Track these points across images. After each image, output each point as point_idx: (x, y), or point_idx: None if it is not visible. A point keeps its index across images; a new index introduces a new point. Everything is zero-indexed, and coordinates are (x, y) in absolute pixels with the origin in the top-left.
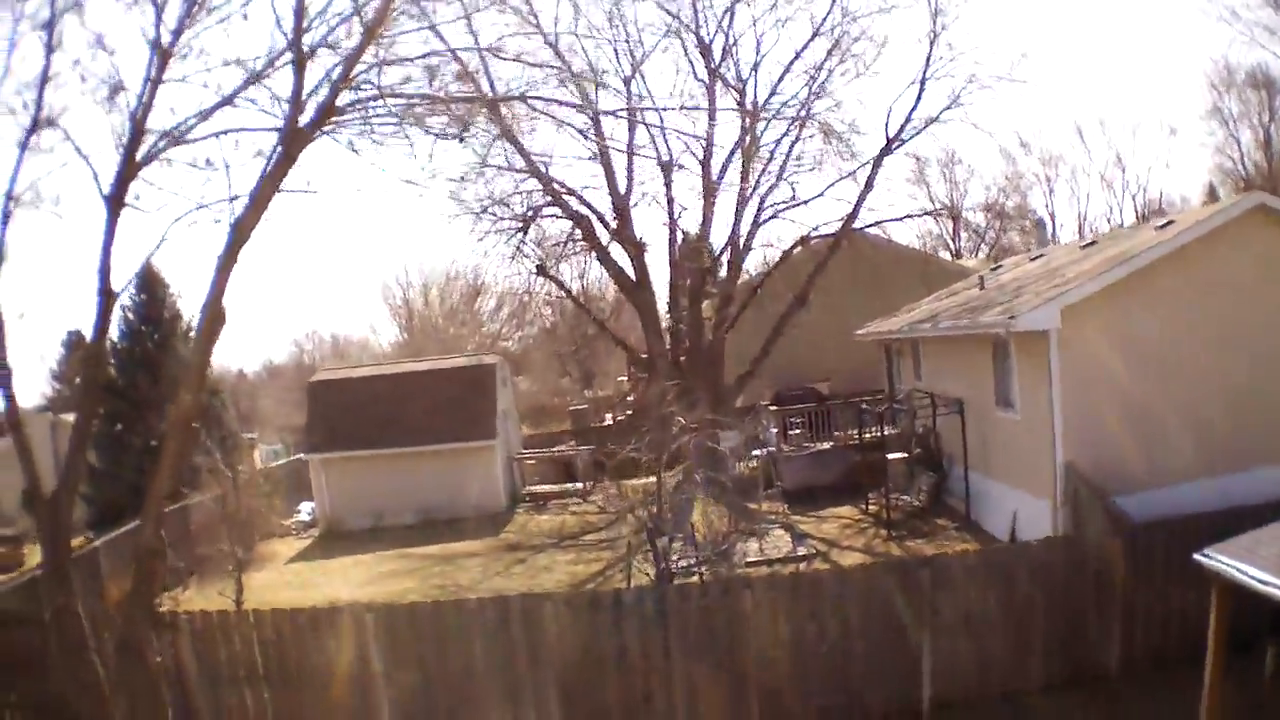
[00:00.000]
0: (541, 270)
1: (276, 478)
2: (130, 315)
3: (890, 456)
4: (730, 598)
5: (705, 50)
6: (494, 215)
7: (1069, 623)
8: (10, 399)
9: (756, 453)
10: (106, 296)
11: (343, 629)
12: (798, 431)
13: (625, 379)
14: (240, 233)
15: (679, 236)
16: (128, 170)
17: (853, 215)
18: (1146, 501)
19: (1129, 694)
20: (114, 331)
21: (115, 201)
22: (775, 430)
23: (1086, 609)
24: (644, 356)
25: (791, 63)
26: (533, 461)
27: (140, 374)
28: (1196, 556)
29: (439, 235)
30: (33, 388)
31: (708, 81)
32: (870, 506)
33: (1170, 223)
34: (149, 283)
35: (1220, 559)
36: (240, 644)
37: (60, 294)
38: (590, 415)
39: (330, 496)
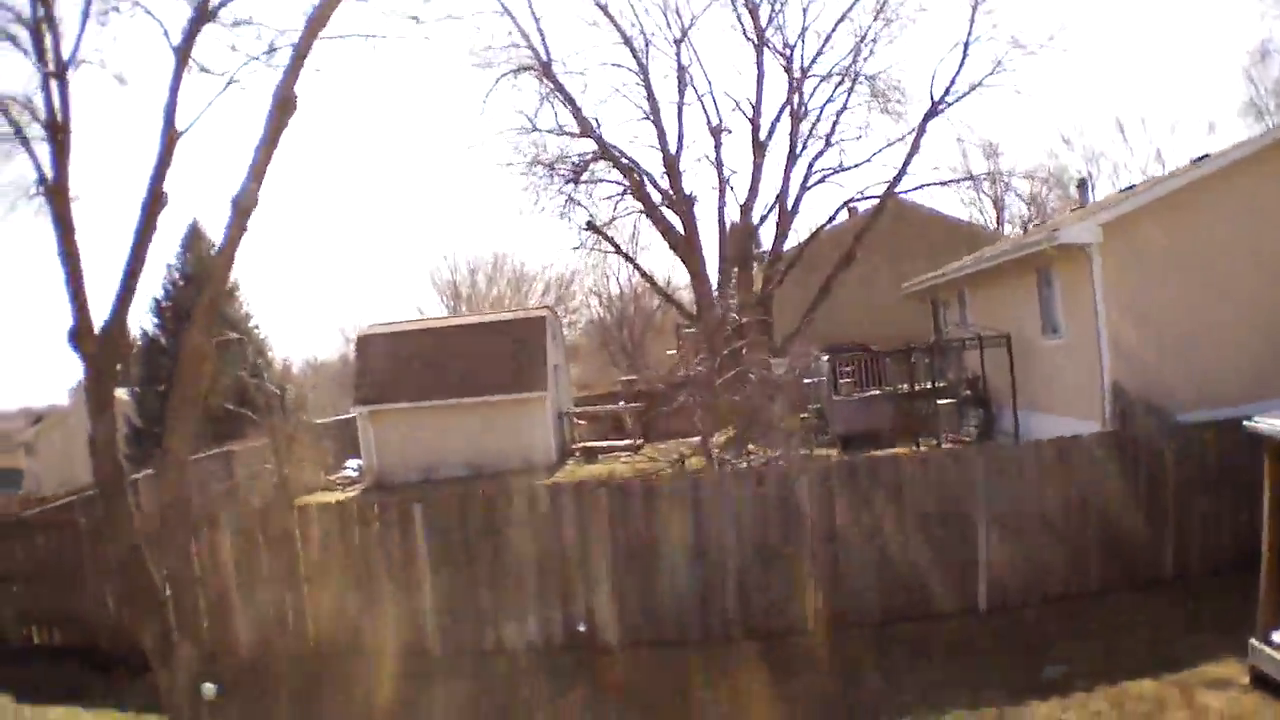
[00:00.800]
0: (592, 226)
1: (324, 432)
2: (176, 273)
3: (940, 401)
4: (787, 487)
5: (753, 11)
6: (546, 164)
7: (1122, 524)
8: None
9: (808, 381)
10: (169, 140)
11: (390, 521)
12: (848, 381)
13: (673, 352)
14: (284, 104)
15: (728, 199)
16: (197, 22)
17: (898, 177)
18: None
19: (1184, 596)
20: (157, 288)
21: (183, 54)
22: (827, 369)
23: (1139, 511)
24: (692, 316)
25: (838, 24)
26: (583, 422)
27: (184, 331)
28: (1246, 423)
29: (486, 219)
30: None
31: (756, 42)
32: (921, 448)
33: (1207, 157)
34: (194, 240)
35: (1268, 420)
36: (283, 540)
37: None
38: (640, 382)
39: (378, 450)
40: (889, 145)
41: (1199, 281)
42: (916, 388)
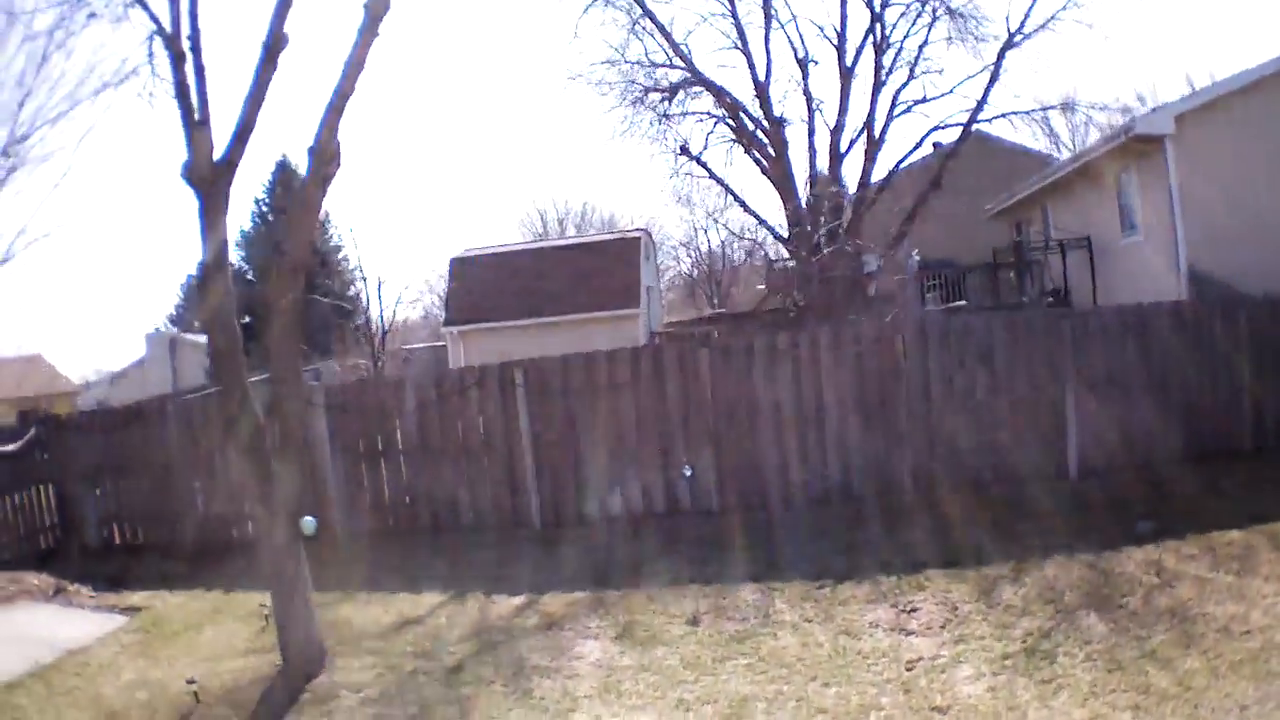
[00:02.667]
0: (685, 150)
1: (411, 357)
2: (264, 206)
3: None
4: (883, 344)
5: None
6: (638, 91)
7: (1201, 395)
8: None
9: (898, 277)
10: None
11: (490, 386)
12: (934, 294)
13: (762, 287)
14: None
15: (816, 126)
16: None
17: (978, 107)
18: None
19: (1266, 467)
20: (245, 220)
21: None
22: (913, 283)
23: (1218, 382)
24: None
25: None
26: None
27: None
28: None
29: (575, 169)
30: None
31: None
32: None
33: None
34: (285, 174)
35: None
36: (377, 413)
37: None
38: (729, 313)
39: None
40: (969, 78)
41: (1270, 168)
42: (1000, 301)
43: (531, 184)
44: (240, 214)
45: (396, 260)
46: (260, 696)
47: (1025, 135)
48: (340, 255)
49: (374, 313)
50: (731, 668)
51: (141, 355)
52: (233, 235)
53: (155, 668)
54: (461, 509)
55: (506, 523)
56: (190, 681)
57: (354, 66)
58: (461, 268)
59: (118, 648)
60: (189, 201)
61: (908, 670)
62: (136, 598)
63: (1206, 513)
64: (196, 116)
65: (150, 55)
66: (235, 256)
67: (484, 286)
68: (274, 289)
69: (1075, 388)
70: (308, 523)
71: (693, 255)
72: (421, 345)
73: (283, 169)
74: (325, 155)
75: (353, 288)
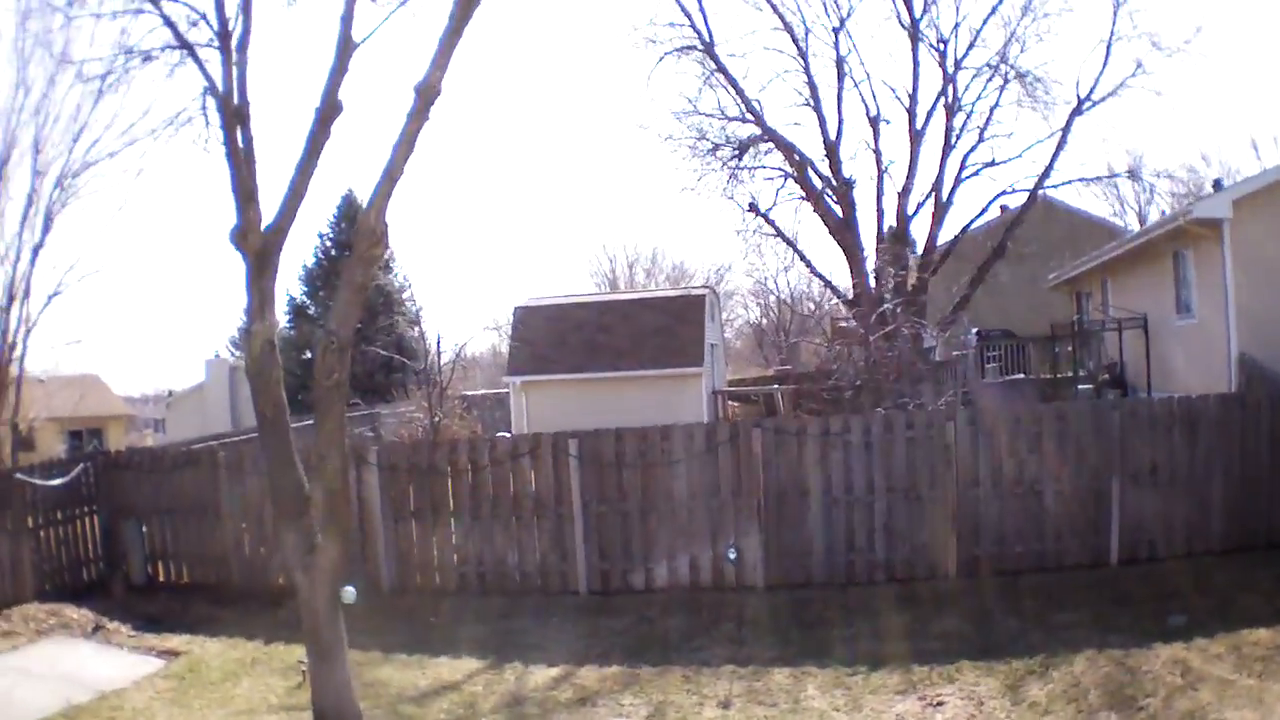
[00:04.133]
0: (754, 208)
1: (475, 403)
2: (328, 241)
3: (1080, 386)
4: (934, 430)
5: (908, 2)
6: (711, 144)
7: (1245, 486)
8: None
9: (957, 352)
10: (344, 47)
11: (543, 453)
12: (993, 365)
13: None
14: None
15: (884, 188)
16: None
17: (1045, 173)
18: None
19: None
20: (309, 256)
21: None
22: (973, 353)
23: (1261, 474)
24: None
25: (988, 17)
26: (736, 404)
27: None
28: None
29: (645, 215)
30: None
31: (911, 33)
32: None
33: None
34: (350, 210)
35: None
36: (430, 475)
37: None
38: (794, 369)
39: (529, 420)
40: (1039, 142)
41: None
42: (1058, 374)
43: (601, 228)
44: (303, 249)
45: (462, 302)
46: None
47: (1091, 201)
48: (405, 295)
49: (433, 361)
50: None
51: (201, 380)
52: (295, 272)
53: (188, 718)
54: (509, 572)
55: (554, 588)
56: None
57: (403, 148)
58: (525, 317)
59: (152, 693)
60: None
61: None
62: (176, 641)
63: (1239, 608)
64: (245, 187)
65: (204, 108)
66: (298, 291)
67: (547, 338)
68: (320, 369)
69: (1121, 477)
70: (348, 592)
71: (761, 305)
72: (483, 392)
73: (348, 203)
74: (373, 236)
75: (415, 328)
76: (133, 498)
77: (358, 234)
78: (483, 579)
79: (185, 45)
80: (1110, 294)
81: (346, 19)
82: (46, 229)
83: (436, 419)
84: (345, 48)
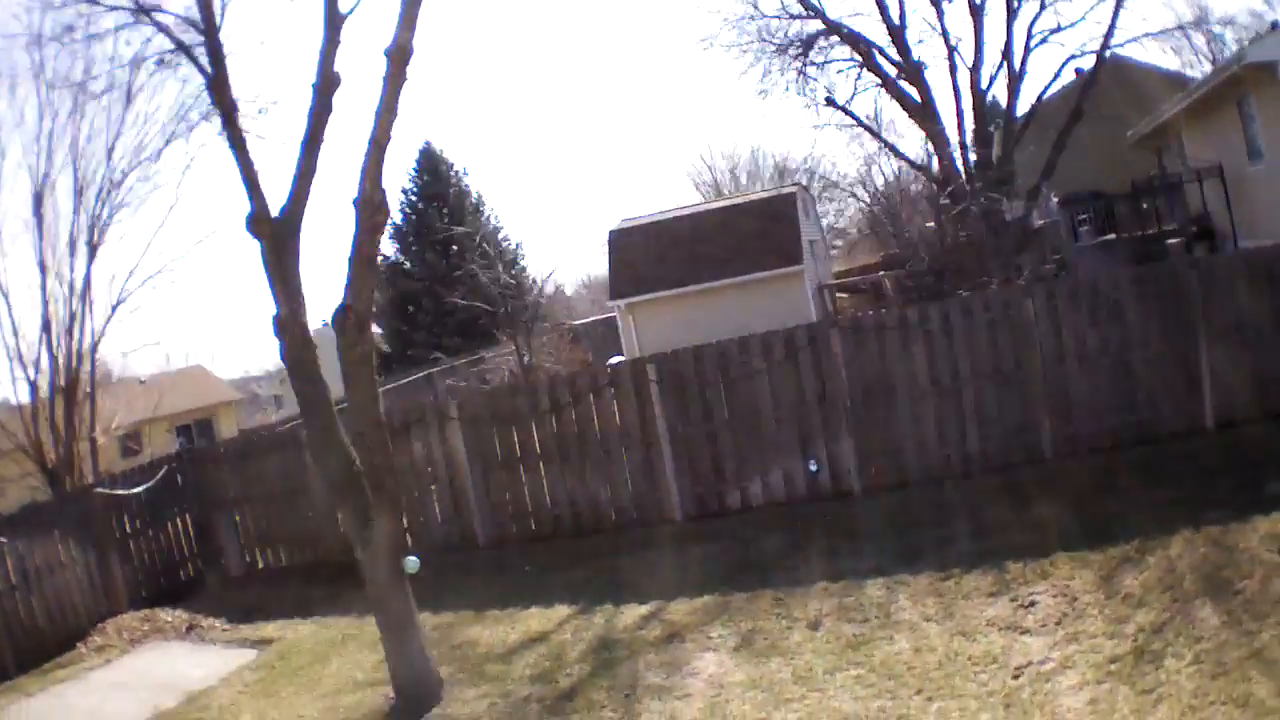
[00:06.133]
0: (831, 101)
1: (583, 332)
2: (413, 196)
3: (1169, 241)
4: (1013, 309)
5: None
6: (776, 44)
7: None
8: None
9: (1042, 222)
10: (332, 21)
11: (622, 386)
12: (1086, 228)
13: (932, 225)
14: None
15: (956, 66)
16: None
17: (1109, 33)
18: None
19: None
20: (395, 214)
21: None
22: (1064, 218)
23: None
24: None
25: None
26: (844, 295)
27: (428, 252)
28: None
29: (739, 115)
30: None
31: None
32: None
33: None
34: (430, 161)
35: None
36: (512, 420)
37: None
38: (899, 252)
39: (639, 341)
40: (1100, 2)
41: None
42: (1148, 231)
43: (697, 139)
44: (391, 207)
45: (568, 238)
46: None
47: (1166, 58)
48: (501, 235)
49: (533, 301)
50: (841, 680)
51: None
52: (385, 232)
53: (274, 708)
54: (603, 509)
55: (650, 519)
56: None
57: (385, 114)
58: (620, 239)
59: (241, 686)
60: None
61: (1014, 679)
62: (270, 629)
63: None
64: (250, 174)
65: (213, 103)
66: (390, 249)
67: (645, 256)
68: (343, 343)
69: (1207, 338)
70: (411, 562)
71: (870, 191)
72: (590, 320)
73: (427, 155)
74: (372, 206)
75: (516, 266)
76: (224, 490)
77: (358, 205)
78: (577, 519)
79: (181, 48)
80: (1187, 146)
81: None
82: (99, 241)
83: (525, 359)
84: (333, 20)
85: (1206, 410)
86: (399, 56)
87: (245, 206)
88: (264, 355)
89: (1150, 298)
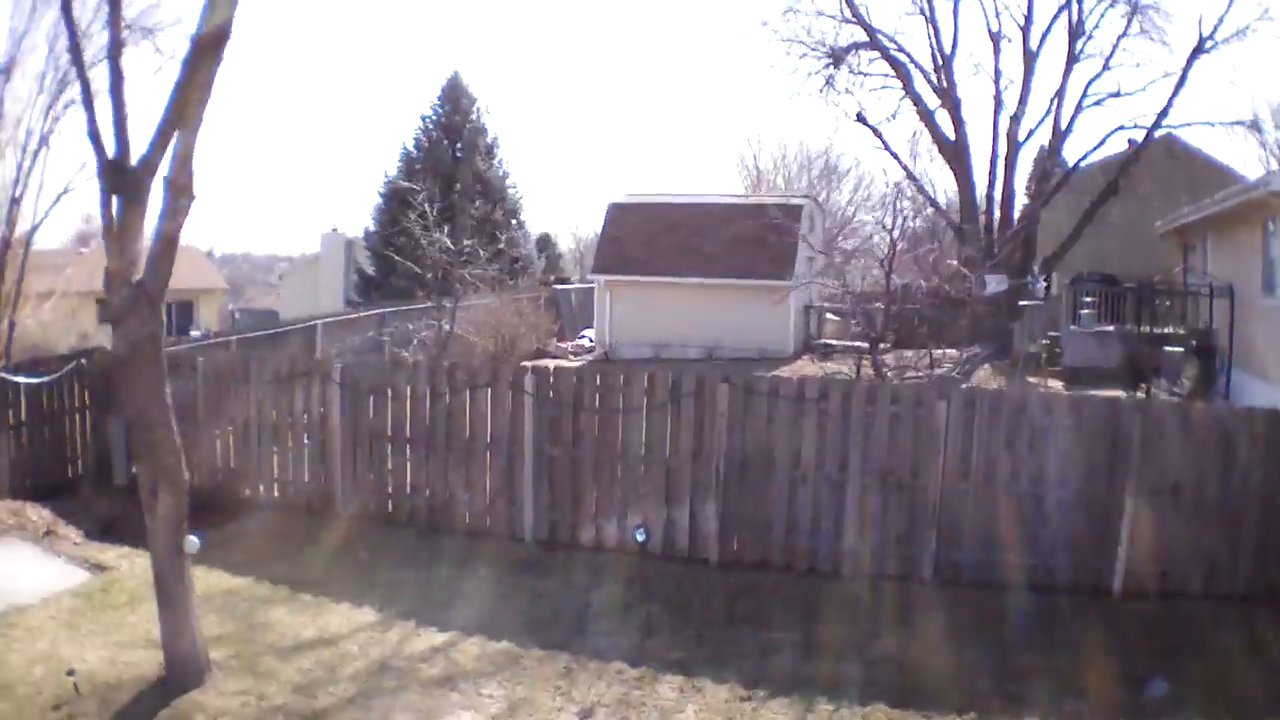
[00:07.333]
0: (862, 119)
1: (562, 298)
2: (430, 123)
3: (1167, 348)
4: (923, 409)
5: None
6: (803, 45)
7: None
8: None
9: (1025, 303)
10: None
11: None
12: (1087, 312)
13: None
14: None
15: (1003, 109)
16: None
17: (1164, 112)
18: None
19: None
20: (410, 138)
21: None
22: (1068, 298)
23: None
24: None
25: None
26: (834, 316)
27: (437, 185)
28: None
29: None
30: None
31: None
32: (1139, 395)
33: None
34: (453, 93)
35: None
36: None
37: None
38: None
39: (612, 321)
40: (1165, 76)
41: None
42: (1153, 330)
43: (746, 125)
44: (404, 132)
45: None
46: (131, 700)
47: (1224, 144)
48: (508, 182)
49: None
50: None
51: (316, 251)
52: (394, 154)
53: (71, 643)
54: (458, 510)
55: (500, 532)
56: (70, 673)
57: (193, 91)
58: (617, 214)
59: (54, 611)
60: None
61: None
62: (112, 554)
63: (1237, 681)
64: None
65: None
66: (394, 169)
67: (637, 237)
68: (131, 323)
69: (1136, 493)
70: (192, 542)
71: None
72: (574, 286)
73: (452, 86)
74: (177, 187)
75: (515, 218)
76: (120, 398)
77: (167, 185)
78: (432, 513)
79: None
80: (1209, 252)
81: None
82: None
83: (446, 329)
84: None
85: (1116, 573)
86: (205, 40)
87: (107, 149)
88: (272, 242)
89: (1084, 432)
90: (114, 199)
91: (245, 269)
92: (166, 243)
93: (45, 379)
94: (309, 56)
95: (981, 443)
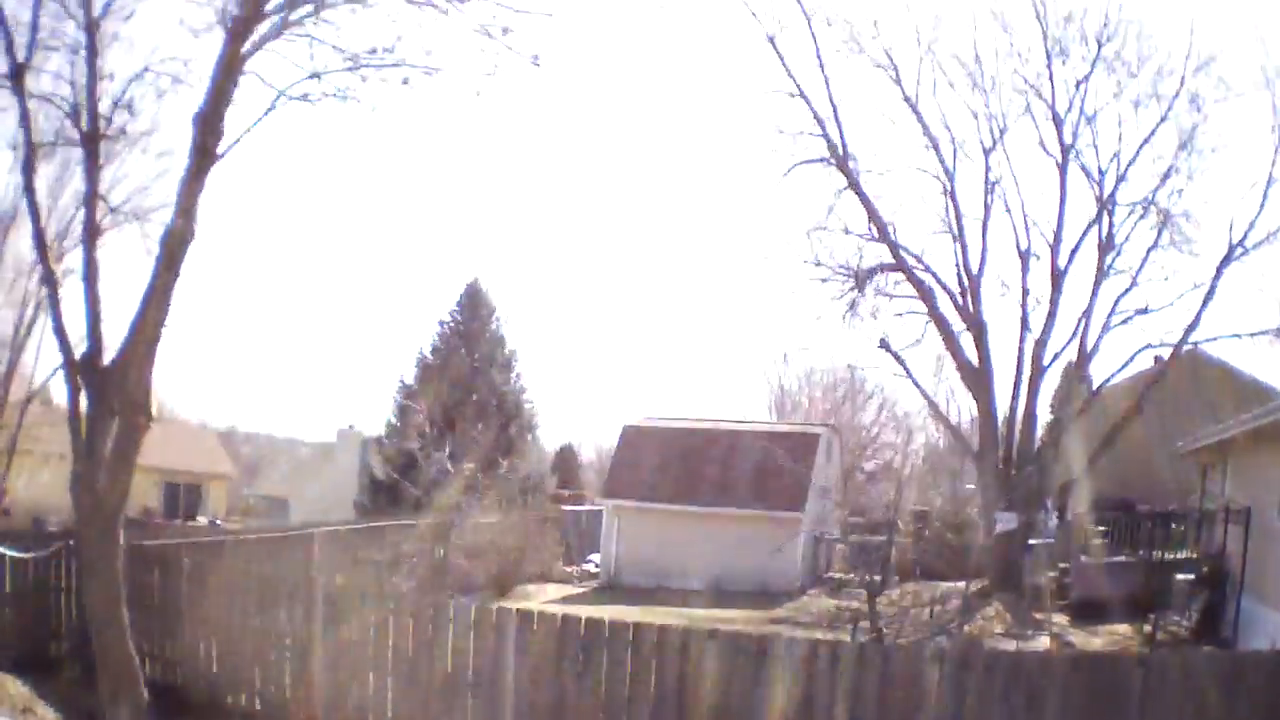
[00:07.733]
0: (885, 346)
1: (571, 519)
2: (448, 330)
3: (1178, 576)
4: (915, 672)
5: (1058, 124)
6: (826, 268)
7: None
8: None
9: (1034, 542)
10: (201, 154)
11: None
12: (1098, 542)
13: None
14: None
15: (1029, 331)
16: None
17: (1192, 326)
18: None
19: None
20: (427, 343)
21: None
22: (1057, 520)
23: None
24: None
25: (1140, 149)
26: (842, 546)
27: (451, 394)
28: None
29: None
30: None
31: (1059, 160)
32: (1146, 627)
33: None
34: (473, 300)
35: None
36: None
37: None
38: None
39: (618, 547)
40: (1195, 288)
41: None
42: (1163, 557)
43: (772, 342)
44: (423, 337)
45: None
46: None
47: (1237, 351)
48: (525, 397)
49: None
50: None
51: (331, 441)
52: (412, 354)
53: None
54: None
55: None
56: None
57: (158, 295)
58: (633, 438)
59: None
60: None
61: None
62: None
63: None
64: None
65: None
66: (410, 376)
67: (649, 461)
68: (88, 534)
69: None
70: None
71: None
72: (587, 508)
73: (472, 292)
74: (134, 405)
75: (530, 433)
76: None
77: (123, 405)
78: None
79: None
80: (1229, 473)
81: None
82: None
83: (441, 554)
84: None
85: None
86: (173, 244)
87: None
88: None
89: (1073, 689)
90: (80, 396)
91: (266, 449)
92: (120, 458)
93: (34, 554)
94: (336, 246)
95: (977, 703)
